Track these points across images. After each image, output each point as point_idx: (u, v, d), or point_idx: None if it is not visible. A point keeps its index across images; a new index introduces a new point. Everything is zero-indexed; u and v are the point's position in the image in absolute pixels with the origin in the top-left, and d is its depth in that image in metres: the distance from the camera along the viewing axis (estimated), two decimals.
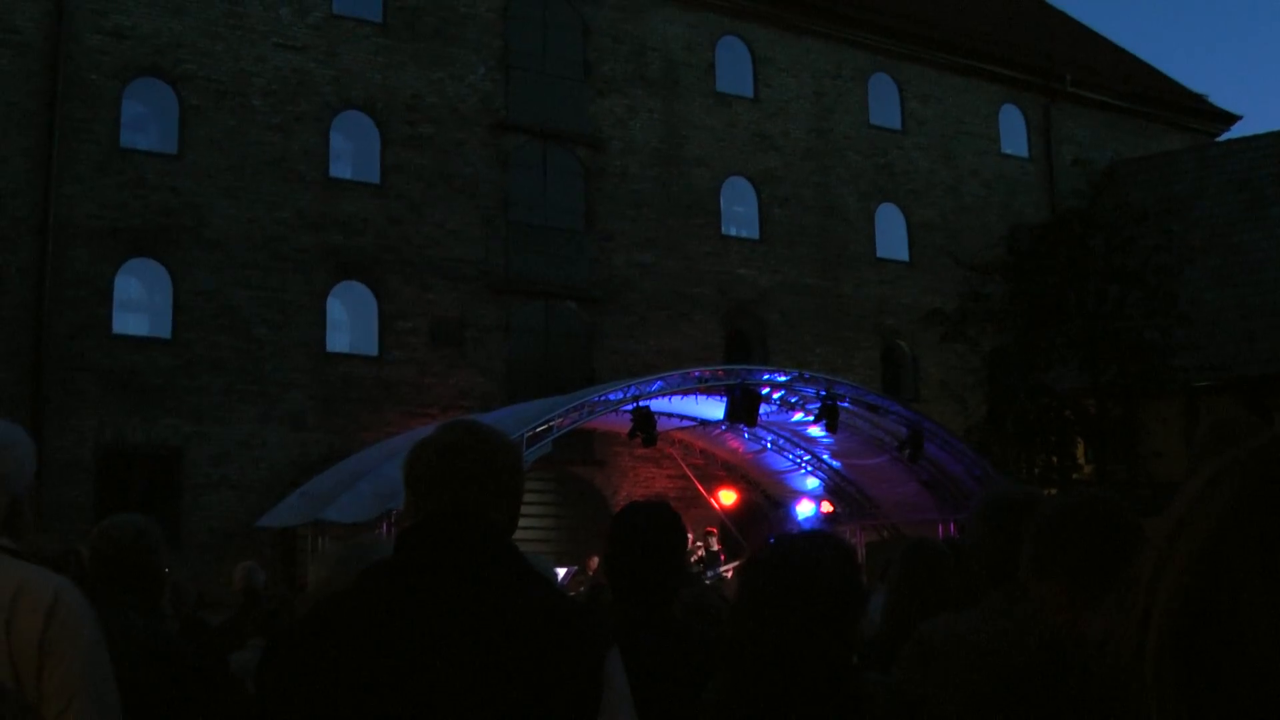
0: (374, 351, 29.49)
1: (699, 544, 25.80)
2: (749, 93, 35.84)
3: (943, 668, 3.72)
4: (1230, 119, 45.76)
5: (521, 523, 3.44)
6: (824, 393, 25.11)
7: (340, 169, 29.98)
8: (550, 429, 22.78)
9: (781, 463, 29.72)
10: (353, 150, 30.51)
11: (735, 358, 32.68)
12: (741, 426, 26.76)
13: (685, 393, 24.93)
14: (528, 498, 3.26)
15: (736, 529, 28.11)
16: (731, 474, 30.46)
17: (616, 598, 4.78)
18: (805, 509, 29.25)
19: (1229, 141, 40.47)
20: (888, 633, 5.74)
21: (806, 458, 29.27)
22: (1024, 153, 40.74)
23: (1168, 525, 1.26)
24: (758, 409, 24.89)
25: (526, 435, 21.74)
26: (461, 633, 2.96)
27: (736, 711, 3.34)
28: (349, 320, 29.91)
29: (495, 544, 3.18)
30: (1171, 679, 1.21)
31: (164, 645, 5.18)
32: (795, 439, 28.58)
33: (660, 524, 4.79)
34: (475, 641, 2.95)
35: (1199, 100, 45.61)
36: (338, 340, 29.41)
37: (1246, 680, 1.15)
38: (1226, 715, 1.16)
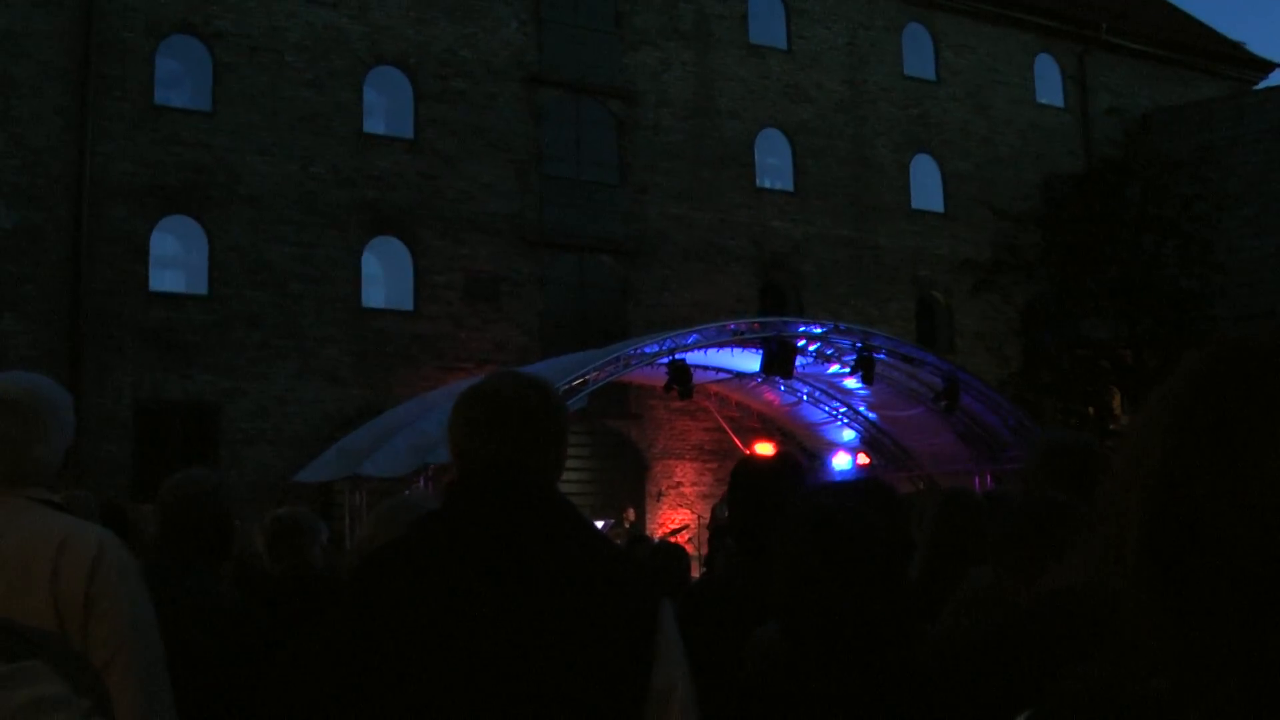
0: (409, 306, 29.52)
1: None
2: (782, 44, 35.67)
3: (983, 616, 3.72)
4: (1267, 66, 45.39)
5: None
6: (859, 344, 25.06)
7: (374, 124, 29.96)
8: (585, 383, 22.78)
9: (817, 415, 29.71)
10: (386, 105, 30.49)
11: (769, 310, 32.61)
12: (777, 379, 26.75)
13: (721, 345, 24.90)
14: None
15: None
16: (767, 426, 30.43)
17: (739, 547, 4.77)
18: (841, 461, 29.22)
19: (1266, 89, 40.16)
20: (922, 583, 5.72)
21: (842, 410, 29.24)
22: (1059, 102, 40.46)
23: (1132, 442, 1.28)
24: (793, 361, 24.85)
25: (563, 389, 21.75)
26: (515, 582, 2.96)
27: (795, 670, 3.32)
28: (384, 275, 29.93)
29: (543, 493, 3.18)
30: (1152, 591, 1.22)
31: (235, 606, 5.19)
32: (831, 391, 28.55)
33: (779, 472, 4.79)
34: (530, 591, 2.95)
35: (1235, 48, 45.23)
36: (373, 295, 29.43)
37: (1224, 577, 1.16)
38: (1212, 613, 1.17)
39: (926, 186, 37.24)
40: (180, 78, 28.31)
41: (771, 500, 4.61)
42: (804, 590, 3.25)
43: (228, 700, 4.70)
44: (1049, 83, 40.41)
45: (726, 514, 5.14)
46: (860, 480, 3.78)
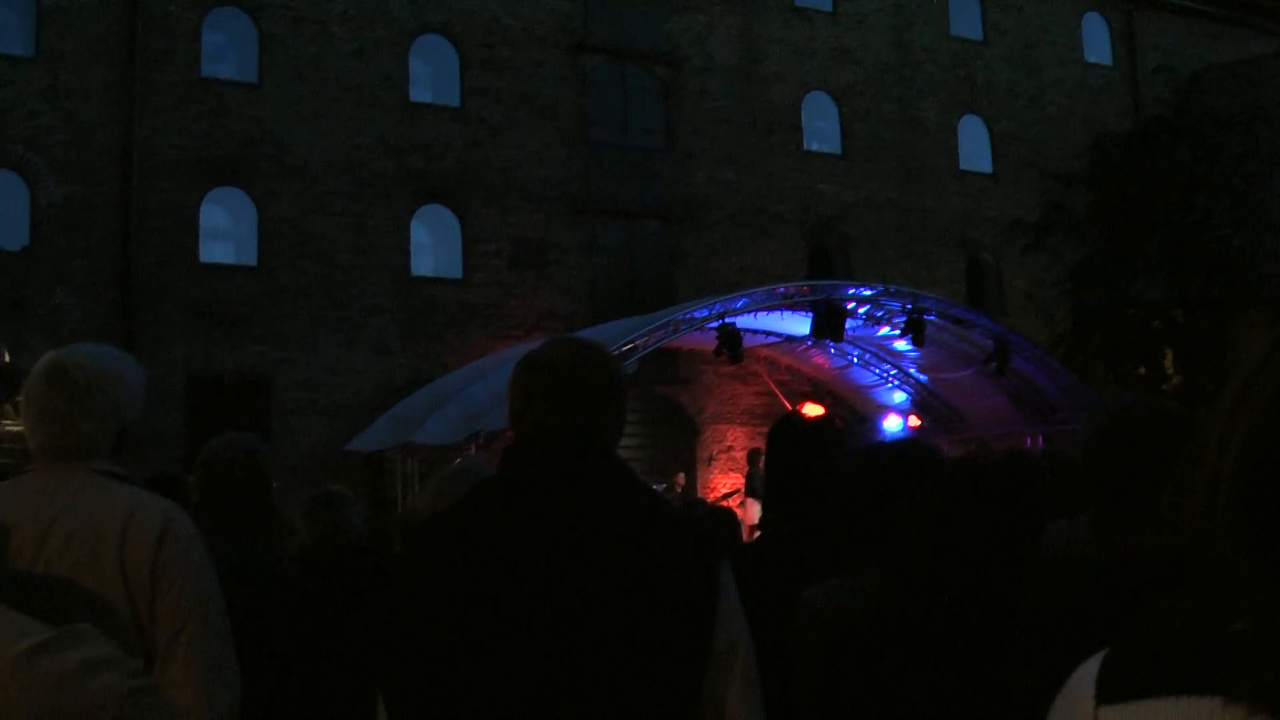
0: (458, 274, 29.59)
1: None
2: (827, 6, 35.50)
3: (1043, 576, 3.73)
4: None
5: None
6: (909, 306, 25.00)
7: (420, 93, 29.99)
8: (635, 348, 22.77)
9: (868, 377, 29.67)
10: (432, 74, 30.51)
11: (818, 274, 32.57)
12: (827, 342, 26.68)
13: (770, 309, 24.87)
14: None
15: None
16: (817, 389, 30.39)
17: (773, 508, 4.78)
18: (893, 423, 29.18)
19: None
20: None
21: (893, 372, 29.19)
22: (1108, 61, 40.23)
23: (1233, 390, 1.28)
24: (843, 324, 24.82)
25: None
26: (576, 544, 2.97)
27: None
28: (432, 244, 30.00)
29: (601, 457, 3.19)
30: (1245, 534, 1.22)
31: (273, 570, 5.19)
32: (881, 353, 28.50)
33: (822, 435, 4.79)
34: (589, 554, 2.96)
35: None
36: (421, 264, 29.51)
37: None
38: None
39: (975, 148, 37.10)
40: (226, 50, 28.38)
41: (809, 463, 4.62)
42: (940, 537, 3.30)
43: (278, 663, 4.73)
44: (1097, 42, 40.18)
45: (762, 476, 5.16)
46: (908, 440, 3.79)
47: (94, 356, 3.86)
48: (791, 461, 4.67)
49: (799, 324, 25.53)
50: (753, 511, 23.81)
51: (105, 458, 3.80)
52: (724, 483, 30.73)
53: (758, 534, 5.96)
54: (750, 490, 25.81)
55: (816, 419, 5.25)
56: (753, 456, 26.36)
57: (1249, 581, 1.23)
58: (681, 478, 28.31)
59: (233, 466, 5.28)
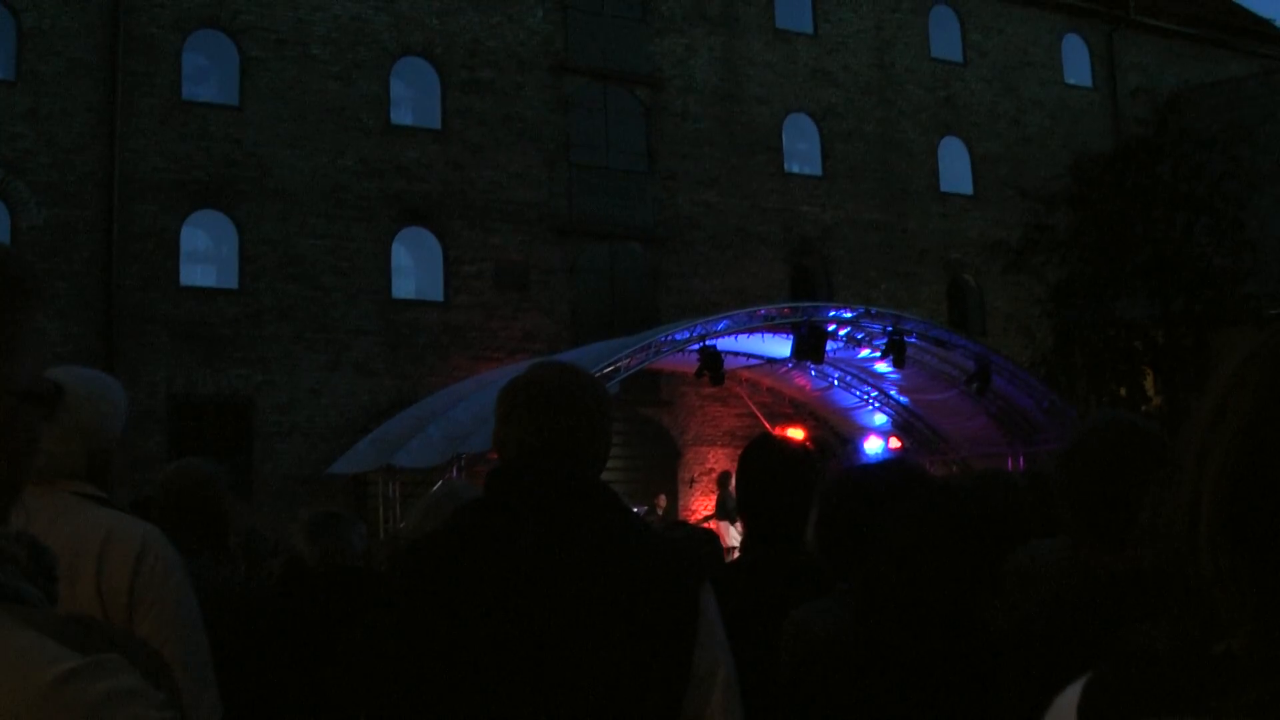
0: (440, 297, 29.59)
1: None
2: (809, 28, 35.61)
3: (1027, 591, 3.73)
4: None
5: None
6: (890, 328, 25.00)
7: (401, 115, 30.02)
8: (617, 370, 22.75)
9: (849, 399, 29.67)
10: (413, 96, 30.53)
11: (800, 295, 32.61)
12: (808, 363, 26.69)
13: (751, 331, 24.85)
14: None
15: None
16: (799, 411, 30.41)
17: (749, 531, 4.77)
18: (874, 445, 29.17)
19: None
20: None
21: (874, 394, 29.20)
22: (1088, 82, 40.38)
23: (1209, 406, 1.27)
24: (824, 346, 24.80)
25: None
26: (558, 568, 2.98)
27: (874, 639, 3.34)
28: (414, 266, 30.00)
29: (585, 481, 3.20)
30: (1227, 555, 1.21)
31: (231, 590, 5.22)
32: (862, 375, 28.50)
33: (792, 456, 4.78)
34: (572, 576, 2.97)
35: (1265, 25, 45.02)
36: (403, 286, 29.52)
37: None
38: None
39: (955, 168, 37.20)
40: (208, 72, 28.40)
41: (781, 485, 4.61)
42: (904, 562, 3.30)
43: (251, 684, 4.73)
44: (1077, 63, 40.32)
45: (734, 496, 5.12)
46: (893, 461, 3.79)
47: (64, 378, 3.85)
48: (764, 484, 4.66)
49: (780, 346, 25.52)
50: (723, 533, 23.74)
51: (81, 479, 3.78)
52: (706, 505, 30.69)
53: (735, 555, 5.96)
54: (720, 513, 25.82)
55: (789, 442, 5.23)
56: (722, 479, 26.39)
57: (1232, 600, 1.22)
58: (663, 500, 28.28)
59: (189, 491, 5.31)
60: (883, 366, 26.51)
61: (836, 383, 28.95)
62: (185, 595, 3.70)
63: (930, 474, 4.18)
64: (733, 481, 5.68)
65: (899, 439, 29.27)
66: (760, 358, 27.13)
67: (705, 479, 31.61)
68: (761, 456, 4.77)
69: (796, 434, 29.24)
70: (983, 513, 3.40)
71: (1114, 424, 3.46)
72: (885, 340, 24.95)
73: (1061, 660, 3.10)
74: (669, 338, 23.99)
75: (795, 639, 3.81)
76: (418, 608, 3.03)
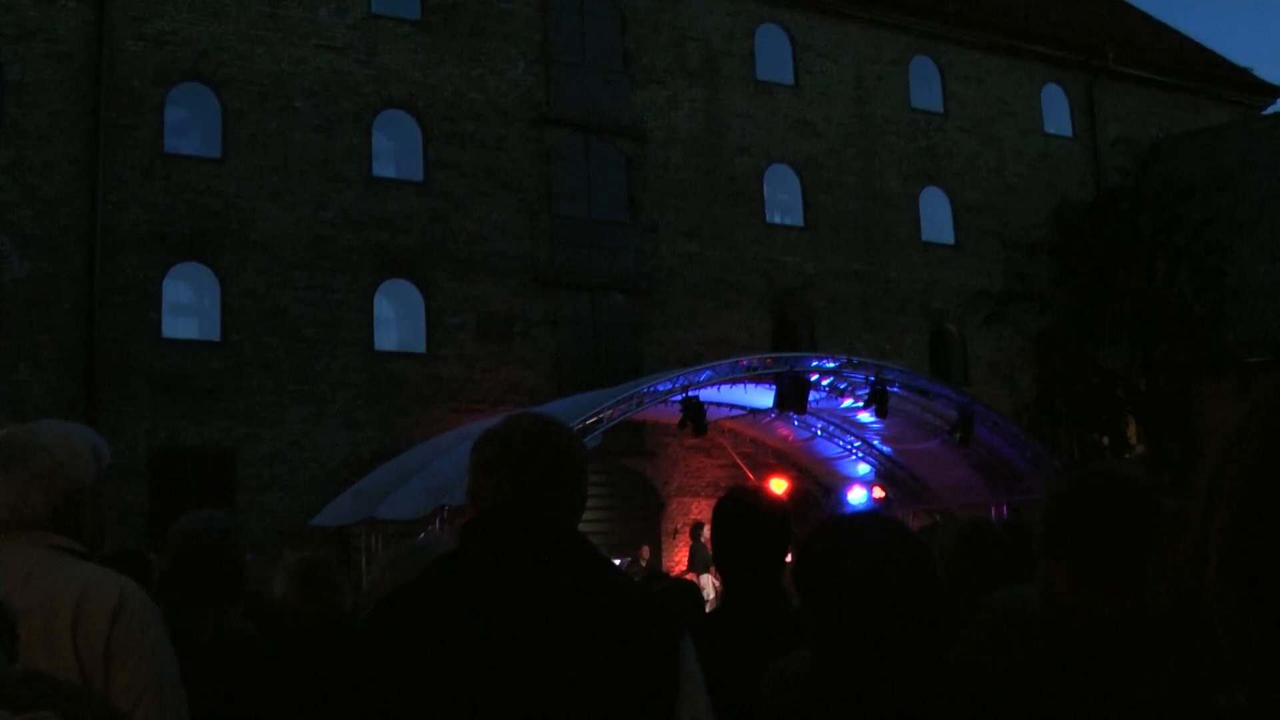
0: (422, 348, 29.57)
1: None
2: (789, 80, 35.75)
3: (1000, 635, 3.74)
4: (1275, 91, 45.38)
5: None
6: (873, 378, 25.00)
7: (383, 168, 30.05)
8: (600, 421, 22.73)
9: (832, 449, 29.64)
10: (395, 149, 30.57)
11: (782, 345, 32.62)
12: (791, 414, 26.67)
13: (734, 381, 24.84)
14: None
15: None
16: (782, 462, 30.36)
17: (726, 583, 4.78)
18: (857, 495, 29.15)
19: (1275, 114, 40.18)
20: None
21: (857, 444, 29.18)
22: (1068, 132, 40.53)
23: (1216, 455, 1.27)
24: (807, 396, 24.81)
25: (576, 428, 21.70)
26: (535, 622, 2.97)
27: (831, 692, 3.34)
28: (396, 318, 29.99)
29: (562, 532, 3.19)
30: (1233, 605, 1.21)
31: (248, 644, 5.17)
32: (845, 425, 28.48)
33: (768, 508, 4.78)
34: (549, 630, 2.96)
35: (1243, 73, 45.24)
36: (386, 338, 29.50)
37: None
38: None
39: (937, 218, 37.29)
40: (190, 125, 28.43)
41: (756, 536, 4.62)
42: (839, 615, 3.29)
43: None
44: (1057, 113, 40.48)
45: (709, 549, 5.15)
46: (870, 513, 3.80)
47: (26, 430, 3.85)
48: (738, 536, 4.66)
49: (763, 396, 25.50)
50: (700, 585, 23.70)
51: (45, 528, 3.75)
52: (686, 556, 30.66)
53: (714, 606, 5.95)
54: (693, 564, 25.80)
55: (762, 493, 5.25)
56: (695, 530, 26.35)
57: (1240, 648, 1.22)
58: (646, 551, 28.24)
59: (206, 545, 5.25)
60: (865, 416, 26.49)
61: (819, 433, 28.93)
62: (162, 648, 3.68)
63: (905, 524, 4.18)
64: (705, 532, 5.70)
65: (882, 489, 29.24)
66: (743, 408, 27.10)
67: (689, 530, 31.56)
68: (735, 509, 4.77)
69: (780, 485, 29.28)
70: (944, 555, 3.41)
71: (1096, 472, 3.48)
72: (868, 390, 24.95)
73: (1048, 706, 3.10)
74: (652, 388, 23.98)
75: (773, 688, 3.81)
76: (390, 663, 3.02)
